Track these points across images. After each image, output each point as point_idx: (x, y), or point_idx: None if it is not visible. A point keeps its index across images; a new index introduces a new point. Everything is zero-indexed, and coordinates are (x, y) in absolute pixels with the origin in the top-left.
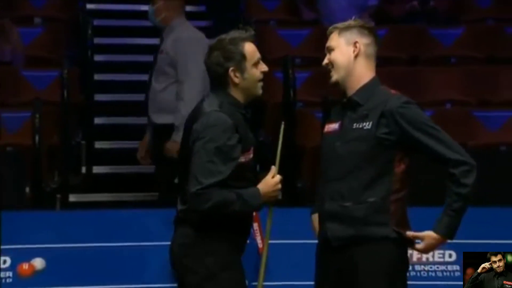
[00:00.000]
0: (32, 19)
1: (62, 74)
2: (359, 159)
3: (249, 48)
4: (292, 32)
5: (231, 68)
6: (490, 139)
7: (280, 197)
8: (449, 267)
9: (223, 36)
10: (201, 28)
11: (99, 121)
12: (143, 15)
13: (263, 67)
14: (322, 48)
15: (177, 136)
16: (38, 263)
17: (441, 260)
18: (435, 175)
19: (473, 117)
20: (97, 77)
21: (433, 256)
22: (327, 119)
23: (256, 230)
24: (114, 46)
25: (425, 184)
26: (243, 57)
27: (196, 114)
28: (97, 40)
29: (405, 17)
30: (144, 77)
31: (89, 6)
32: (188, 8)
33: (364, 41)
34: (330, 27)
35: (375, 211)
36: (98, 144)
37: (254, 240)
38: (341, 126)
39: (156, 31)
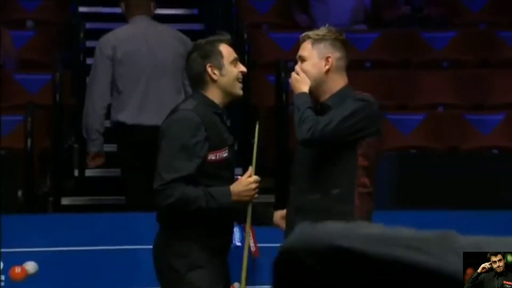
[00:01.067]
0: (24, 23)
1: (55, 77)
2: (322, 155)
3: (225, 48)
4: (284, 35)
5: (208, 64)
6: (482, 143)
7: (256, 196)
8: None
9: (199, 40)
10: (193, 32)
11: None
12: None
13: (241, 68)
14: None
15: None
16: (31, 267)
17: None
18: (422, 179)
19: (466, 121)
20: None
21: None
22: None
23: (249, 233)
24: None
25: (411, 188)
26: (220, 54)
27: (171, 112)
28: (89, 44)
29: (396, 22)
30: None
31: (82, 9)
32: (180, 11)
33: (336, 55)
34: (303, 35)
35: (339, 202)
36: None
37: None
38: None
39: None
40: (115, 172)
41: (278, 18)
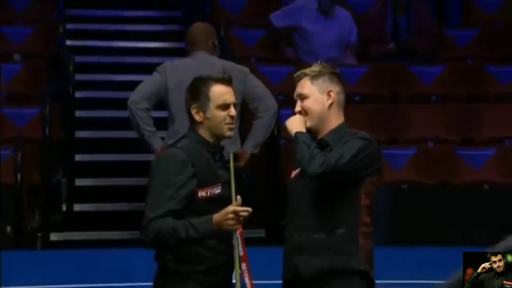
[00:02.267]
0: (12, 56)
1: (44, 111)
2: (327, 192)
3: (217, 90)
4: (273, 69)
5: (193, 105)
6: (473, 178)
7: (237, 227)
8: None
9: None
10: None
11: (80, 158)
12: (122, 51)
13: (231, 112)
14: None
15: None
16: None
17: None
18: (415, 214)
19: (456, 156)
20: (77, 113)
21: None
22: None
23: (244, 270)
24: (94, 83)
25: (405, 224)
26: (206, 97)
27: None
28: (77, 77)
29: (383, 57)
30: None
31: (69, 42)
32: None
33: (336, 89)
34: (299, 73)
35: (345, 242)
36: (79, 182)
37: (242, 281)
38: None
39: (136, 68)
40: (104, 207)
41: (266, 52)
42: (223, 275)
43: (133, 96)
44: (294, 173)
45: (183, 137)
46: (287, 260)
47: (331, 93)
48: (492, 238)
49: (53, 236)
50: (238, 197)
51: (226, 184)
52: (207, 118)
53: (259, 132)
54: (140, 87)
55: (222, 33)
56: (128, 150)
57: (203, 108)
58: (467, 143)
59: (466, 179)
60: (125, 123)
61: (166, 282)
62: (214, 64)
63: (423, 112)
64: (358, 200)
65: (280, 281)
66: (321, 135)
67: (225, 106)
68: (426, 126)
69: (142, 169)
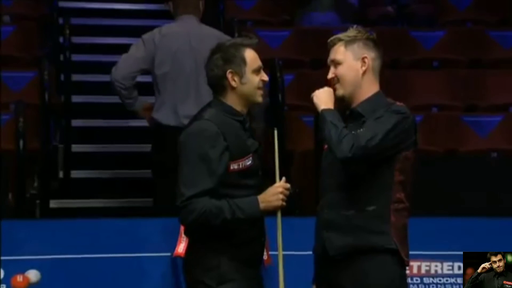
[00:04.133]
0: (0, 17)
1: (42, 75)
2: (358, 168)
3: (250, 54)
4: (271, 33)
5: (229, 71)
6: (480, 145)
7: (284, 204)
8: (459, 280)
9: (223, 41)
10: None
11: (76, 123)
12: (117, 13)
13: (264, 76)
14: (302, 50)
15: None
16: (33, 275)
17: (450, 272)
18: (421, 183)
19: (462, 122)
20: (74, 78)
21: (442, 269)
22: None
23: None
24: (90, 46)
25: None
26: (243, 61)
27: (190, 122)
28: (74, 40)
29: (382, 20)
30: None
31: (61, 4)
32: (167, 6)
33: (372, 55)
34: (333, 38)
35: (375, 220)
36: (76, 148)
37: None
38: None
39: (133, 30)
40: (101, 173)
41: (263, 15)
42: (255, 248)
43: (116, 73)
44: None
45: (209, 105)
46: (318, 235)
47: (366, 59)
48: (500, 208)
49: (52, 204)
50: (283, 177)
51: (255, 154)
52: (242, 83)
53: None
54: (124, 63)
55: None
56: (126, 115)
57: (240, 73)
58: (472, 109)
59: (473, 147)
60: None
61: (198, 257)
62: (208, 34)
63: (425, 78)
64: (391, 176)
65: (285, 252)
66: (354, 103)
67: (258, 70)
68: (429, 92)
69: (141, 135)
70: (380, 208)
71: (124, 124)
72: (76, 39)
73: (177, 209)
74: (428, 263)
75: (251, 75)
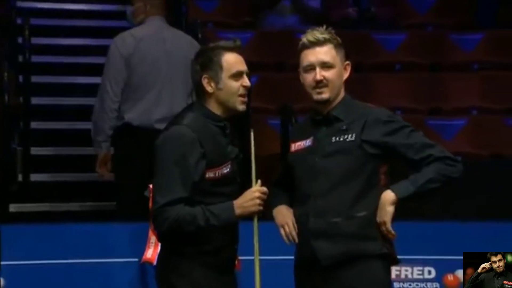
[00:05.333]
0: None
1: (1, 76)
2: (344, 172)
3: (229, 58)
4: (232, 35)
5: (204, 76)
6: (446, 149)
7: (261, 209)
8: (429, 285)
9: (208, 44)
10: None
11: (36, 125)
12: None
13: (245, 82)
14: (265, 52)
15: None
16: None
17: (421, 277)
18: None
19: (427, 126)
20: (33, 79)
21: (412, 273)
22: (291, 138)
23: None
24: (49, 47)
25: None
26: (219, 66)
27: (167, 126)
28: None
29: (343, 23)
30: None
31: (19, 4)
32: (129, 8)
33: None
34: (319, 36)
35: (365, 226)
36: (35, 150)
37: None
38: (314, 141)
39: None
40: (61, 176)
41: (224, 17)
42: (228, 255)
43: (108, 97)
44: (296, 146)
45: (190, 109)
46: (302, 245)
47: (347, 67)
48: (464, 212)
49: (12, 208)
50: (259, 180)
51: (234, 161)
52: (219, 89)
53: None
54: (109, 84)
55: None
56: (87, 117)
57: (215, 78)
58: (435, 113)
59: None
60: (85, 90)
61: (171, 264)
62: (181, 37)
63: (388, 81)
64: (378, 180)
65: (248, 257)
66: (329, 107)
67: (238, 75)
68: (392, 95)
69: None
70: (369, 213)
71: (84, 126)
72: (36, 40)
73: (152, 217)
74: (398, 268)
75: (228, 80)
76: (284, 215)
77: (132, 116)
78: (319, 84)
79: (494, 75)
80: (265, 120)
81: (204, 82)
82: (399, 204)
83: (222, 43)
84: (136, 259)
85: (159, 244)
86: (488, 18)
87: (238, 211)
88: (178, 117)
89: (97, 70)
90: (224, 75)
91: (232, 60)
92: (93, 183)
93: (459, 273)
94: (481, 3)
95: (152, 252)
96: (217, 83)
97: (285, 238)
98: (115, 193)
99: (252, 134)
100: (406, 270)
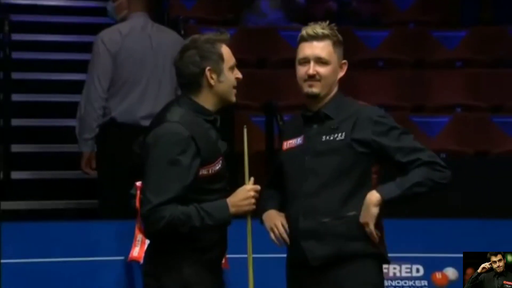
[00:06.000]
0: None
1: None
2: (334, 172)
3: (226, 50)
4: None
5: (207, 68)
6: (430, 146)
7: (254, 207)
8: (417, 283)
9: (196, 36)
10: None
11: (17, 123)
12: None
13: (238, 74)
14: (247, 49)
15: None
16: None
17: (409, 275)
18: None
19: (411, 123)
20: (14, 76)
21: (400, 271)
22: (282, 137)
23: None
24: (28, 43)
25: None
26: (220, 57)
27: (154, 123)
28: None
29: (323, 18)
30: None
31: None
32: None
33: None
34: (318, 31)
35: (356, 226)
36: (16, 148)
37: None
38: (305, 140)
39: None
40: (42, 174)
41: (206, 13)
42: (218, 253)
43: (94, 94)
44: (288, 144)
45: (177, 103)
46: (293, 245)
47: (344, 66)
48: (447, 209)
49: None
50: (252, 178)
51: (223, 157)
52: (220, 81)
53: None
54: (96, 79)
55: None
56: (68, 114)
57: (216, 70)
58: (419, 110)
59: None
60: (66, 87)
61: (161, 261)
62: (166, 33)
63: (370, 78)
64: (370, 179)
65: (234, 256)
66: (320, 104)
67: (233, 68)
68: (375, 92)
69: None
70: (359, 213)
71: (66, 123)
72: (16, 36)
73: (143, 217)
74: (386, 266)
75: (228, 72)
76: (272, 218)
77: (117, 112)
78: (311, 78)
79: (478, 72)
80: (248, 117)
81: (208, 74)
82: (383, 206)
83: (215, 35)
84: (122, 258)
85: (146, 242)
86: (471, 15)
87: (232, 210)
88: (166, 113)
89: (78, 66)
90: (225, 67)
91: (228, 52)
92: (76, 181)
93: (448, 270)
94: (464, 0)
95: (138, 250)
96: (218, 75)
97: (275, 240)
98: (99, 190)
99: (245, 131)
100: (394, 268)
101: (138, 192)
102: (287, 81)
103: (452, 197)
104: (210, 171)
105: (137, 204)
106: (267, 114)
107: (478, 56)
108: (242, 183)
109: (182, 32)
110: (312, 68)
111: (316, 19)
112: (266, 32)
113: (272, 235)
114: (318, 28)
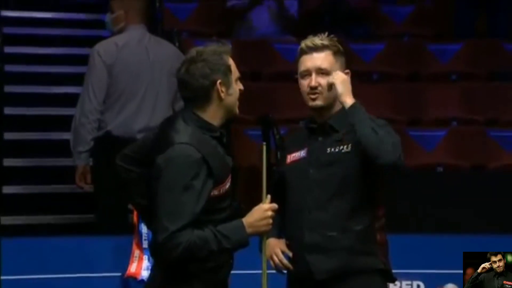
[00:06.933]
0: None
1: None
2: (340, 184)
3: (231, 62)
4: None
5: (219, 81)
6: (426, 160)
7: (270, 227)
8: None
9: (199, 48)
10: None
11: (9, 136)
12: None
13: (241, 86)
14: (241, 62)
15: None
16: None
17: None
18: (410, 202)
19: (408, 137)
20: (7, 89)
21: (400, 287)
22: (287, 150)
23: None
24: (21, 56)
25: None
26: (229, 69)
27: (161, 143)
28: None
29: (318, 32)
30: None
31: None
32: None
33: (348, 70)
34: (317, 42)
35: (362, 240)
36: (8, 162)
37: None
38: (308, 153)
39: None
40: (34, 188)
41: (199, 26)
42: (225, 272)
43: (89, 106)
44: (291, 158)
45: (182, 120)
46: (296, 258)
47: (348, 74)
48: (447, 221)
49: None
50: (268, 195)
51: (231, 173)
52: (229, 94)
53: None
54: (92, 90)
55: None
56: (62, 128)
57: (226, 83)
58: (415, 123)
59: (419, 161)
60: (59, 100)
61: (172, 283)
62: (163, 46)
63: (366, 91)
64: (375, 191)
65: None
66: (325, 116)
67: (238, 80)
68: (371, 105)
69: None
70: (366, 227)
71: (58, 137)
72: (8, 49)
73: (159, 246)
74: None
75: (235, 85)
76: (272, 246)
77: (113, 126)
78: (313, 90)
79: (473, 85)
80: (242, 131)
81: (220, 87)
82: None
83: (219, 46)
84: (119, 274)
85: (144, 258)
86: (465, 28)
87: (249, 230)
88: (171, 131)
89: (71, 79)
90: (233, 80)
91: (233, 64)
92: (69, 195)
93: (448, 286)
94: (459, 13)
95: (136, 266)
96: (228, 87)
97: (275, 269)
98: (95, 205)
99: (264, 147)
100: (395, 285)
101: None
102: (281, 94)
103: (449, 211)
104: (221, 191)
105: (135, 219)
106: (263, 127)
107: (473, 69)
108: (240, 198)
109: (177, 44)
110: (314, 80)
111: (309, 33)
112: (260, 45)
113: (272, 263)
114: (317, 40)
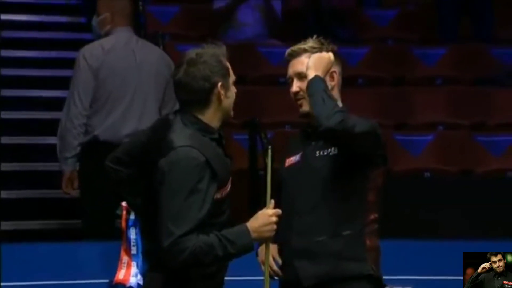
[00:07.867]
0: None
1: None
2: (328, 189)
3: (228, 64)
4: (190, 48)
5: (220, 83)
6: (414, 165)
7: (274, 233)
8: None
9: (198, 50)
10: (84, 41)
11: (5, 141)
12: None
13: (234, 89)
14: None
15: None
16: None
17: None
18: (407, 207)
19: (395, 141)
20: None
21: None
22: (286, 153)
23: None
24: (14, 60)
25: (396, 217)
26: (227, 72)
27: (162, 146)
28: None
29: (302, 36)
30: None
31: None
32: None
33: (338, 70)
34: (295, 48)
35: (351, 245)
36: (4, 167)
37: None
38: (302, 157)
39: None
40: (23, 193)
41: (182, 29)
42: (222, 276)
43: (74, 110)
44: (288, 162)
45: (182, 122)
46: (285, 264)
47: (334, 74)
48: (436, 226)
49: None
50: (272, 200)
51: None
52: (228, 97)
53: None
54: (78, 97)
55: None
56: (49, 132)
57: (225, 86)
58: (401, 128)
59: (407, 166)
60: (45, 104)
61: (170, 285)
62: (150, 49)
63: (351, 96)
64: (365, 197)
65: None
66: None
67: (233, 82)
68: (357, 110)
69: None
70: (355, 232)
71: (47, 141)
72: (2, 53)
73: (164, 251)
74: None
75: (232, 87)
76: (264, 252)
77: (100, 130)
78: (296, 96)
79: (459, 90)
80: (229, 135)
81: (221, 89)
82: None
83: (213, 48)
84: (106, 280)
85: (132, 264)
86: (450, 32)
87: (254, 235)
88: (170, 133)
89: (57, 83)
90: (231, 82)
91: (230, 67)
92: (57, 200)
93: None
94: (443, 17)
95: (124, 273)
96: (227, 90)
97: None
98: (82, 211)
99: (270, 151)
100: None
101: (124, 212)
102: (267, 97)
103: (437, 216)
104: (223, 194)
105: (123, 224)
106: (250, 131)
107: (459, 74)
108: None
109: (161, 47)
110: (295, 85)
111: (294, 37)
112: (245, 48)
113: (263, 268)
114: (296, 46)
